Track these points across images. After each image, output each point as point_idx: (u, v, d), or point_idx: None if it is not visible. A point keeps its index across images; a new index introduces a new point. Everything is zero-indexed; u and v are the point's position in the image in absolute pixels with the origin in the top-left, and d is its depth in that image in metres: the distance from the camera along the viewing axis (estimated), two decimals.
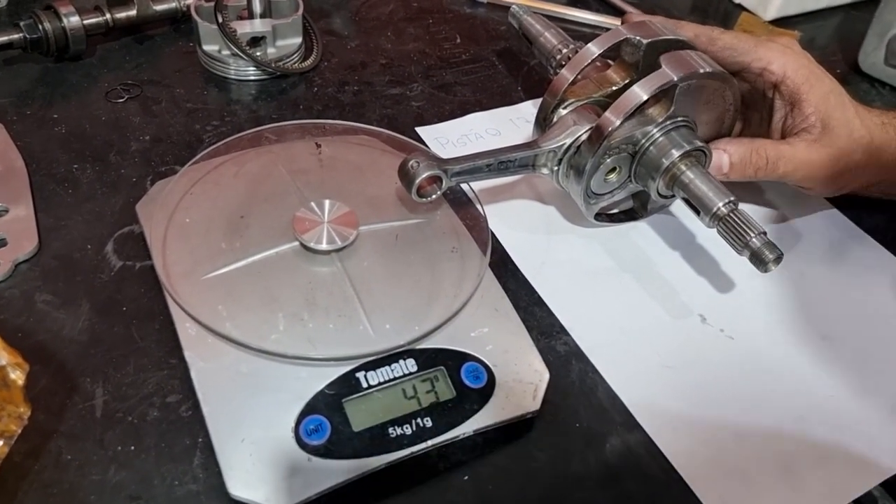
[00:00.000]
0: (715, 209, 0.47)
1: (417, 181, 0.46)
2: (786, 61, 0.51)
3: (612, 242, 0.54)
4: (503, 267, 0.51)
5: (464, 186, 0.51)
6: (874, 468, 0.43)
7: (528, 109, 0.65)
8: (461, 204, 0.51)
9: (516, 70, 0.70)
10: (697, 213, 0.48)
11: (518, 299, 0.49)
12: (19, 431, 0.35)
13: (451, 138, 0.61)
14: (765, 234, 0.46)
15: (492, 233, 0.51)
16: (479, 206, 0.50)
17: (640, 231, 0.55)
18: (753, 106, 0.55)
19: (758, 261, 0.46)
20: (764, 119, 0.54)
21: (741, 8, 0.82)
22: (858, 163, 0.52)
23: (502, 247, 0.52)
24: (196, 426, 0.40)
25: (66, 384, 0.42)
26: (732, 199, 0.47)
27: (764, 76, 0.52)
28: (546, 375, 0.43)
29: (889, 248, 0.56)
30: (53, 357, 0.43)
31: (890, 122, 0.54)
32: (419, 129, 0.62)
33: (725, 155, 0.50)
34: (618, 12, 0.79)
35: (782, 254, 0.46)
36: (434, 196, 0.47)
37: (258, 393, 0.40)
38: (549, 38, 0.59)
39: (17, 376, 0.36)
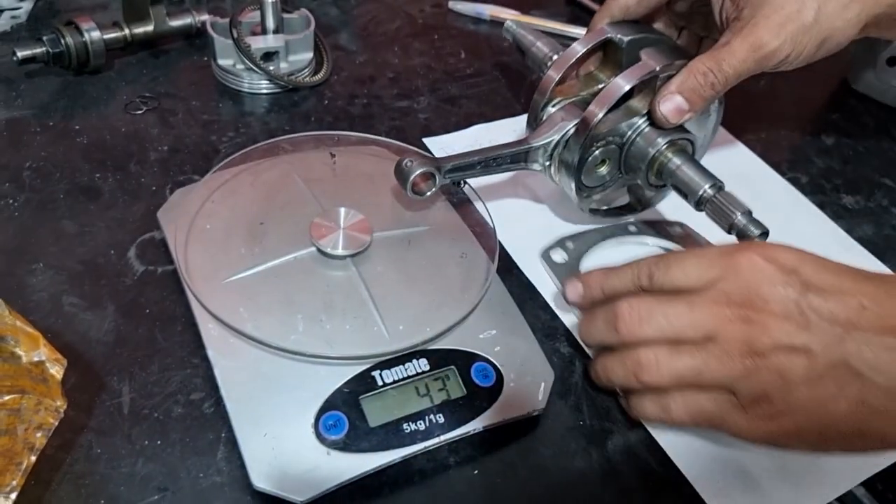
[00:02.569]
0: (700, 192, 0.49)
1: (412, 178, 0.48)
2: None
3: (613, 245, 0.56)
4: (508, 272, 0.53)
5: (472, 195, 0.54)
6: (865, 462, 0.45)
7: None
8: (469, 212, 0.53)
9: (518, 83, 0.72)
10: (685, 197, 0.50)
11: (523, 302, 0.51)
12: (56, 424, 0.37)
13: (455, 148, 0.63)
14: (750, 212, 0.48)
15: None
16: (487, 215, 0.53)
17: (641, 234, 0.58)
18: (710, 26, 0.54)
19: (744, 238, 0.48)
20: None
21: None
22: (820, 14, 0.46)
23: (507, 251, 0.55)
24: (219, 422, 0.43)
25: (95, 382, 0.44)
26: (718, 182, 0.49)
27: None
28: (551, 375, 0.45)
29: (879, 257, 0.59)
30: (81, 357, 0.45)
31: None
32: (426, 140, 0.64)
33: (676, 95, 0.48)
34: None
35: (768, 230, 0.47)
36: (429, 193, 0.49)
37: (279, 390, 0.42)
38: (541, 47, 0.60)
39: (56, 371, 0.38)
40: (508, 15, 0.80)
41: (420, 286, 0.47)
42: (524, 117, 0.68)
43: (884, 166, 0.69)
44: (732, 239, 0.48)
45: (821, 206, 0.63)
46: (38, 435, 0.37)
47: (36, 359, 0.38)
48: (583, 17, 0.85)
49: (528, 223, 0.58)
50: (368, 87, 0.69)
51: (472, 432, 0.42)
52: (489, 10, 0.81)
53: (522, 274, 0.54)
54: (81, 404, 0.43)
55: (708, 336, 0.41)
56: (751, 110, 0.72)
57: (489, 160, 0.51)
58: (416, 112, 0.67)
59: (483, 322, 0.46)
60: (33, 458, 0.36)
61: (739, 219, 0.47)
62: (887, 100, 0.76)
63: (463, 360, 0.44)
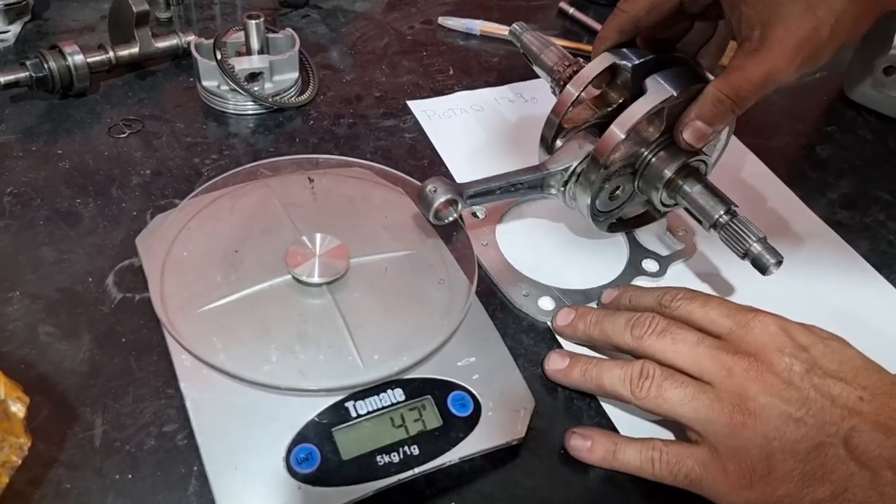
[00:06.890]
0: (716, 217, 0.49)
1: (435, 205, 0.48)
2: None
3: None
4: (492, 295, 0.53)
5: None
6: None
7: (507, 92, 0.73)
8: (450, 235, 0.52)
9: None
10: (699, 221, 0.50)
11: (506, 327, 0.50)
12: (19, 462, 0.37)
13: (437, 111, 0.69)
14: (764, 239, 0.48)
15: (479, 262, 0.53)
16: (467, 237, 0.52)
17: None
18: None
19: (759, 266, 0.48)
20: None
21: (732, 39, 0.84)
22: (835, 28, 0.43)
23: (488, 273, 0.54)
24: (191, 455, 0.42)
25: (67, 414, 0.43)
26: (733, 206, 0.49)
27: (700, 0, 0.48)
28: (531, 403, 0.44)
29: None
30: (55, 388, 0.44)
31: None
32: (410, 103, 0.69)
33: (696, 121, 0.47)
34: None
35: (782, 258, 0.48)
36: (450, 218, 0.50)
37: (251, 423, 0.41)
38: (550, 55, 0.57)
39: (18, 409, 0.37)
40: (499, 29, 0.80)
41: (397, 313, 0.46)
42: (503, 88, 0.72)
43: (881, 179, 0.67)
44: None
45: None
46: (2, 473, 0.36)
47: None
48: (574, 30, 0.84)
49: (515, 240, 0.57)
50: (355, 106, 0.69)
51: (448, 464, 0.41)
52: (479, 26, 0.80)
53: (506, 296, 0.53)
54: (53, 437, 0.42)
55: (703, 377, 0.42)
56: (742, 122, 0.70)
57: (508, 186, 0.52)
58: (402, 131, 0.66)
59: (461, 349, 0.45)
60: None
61: (754, 246, 0.48)
62: (884, 109, 0.75)
63: (440, 390, 0.43)
